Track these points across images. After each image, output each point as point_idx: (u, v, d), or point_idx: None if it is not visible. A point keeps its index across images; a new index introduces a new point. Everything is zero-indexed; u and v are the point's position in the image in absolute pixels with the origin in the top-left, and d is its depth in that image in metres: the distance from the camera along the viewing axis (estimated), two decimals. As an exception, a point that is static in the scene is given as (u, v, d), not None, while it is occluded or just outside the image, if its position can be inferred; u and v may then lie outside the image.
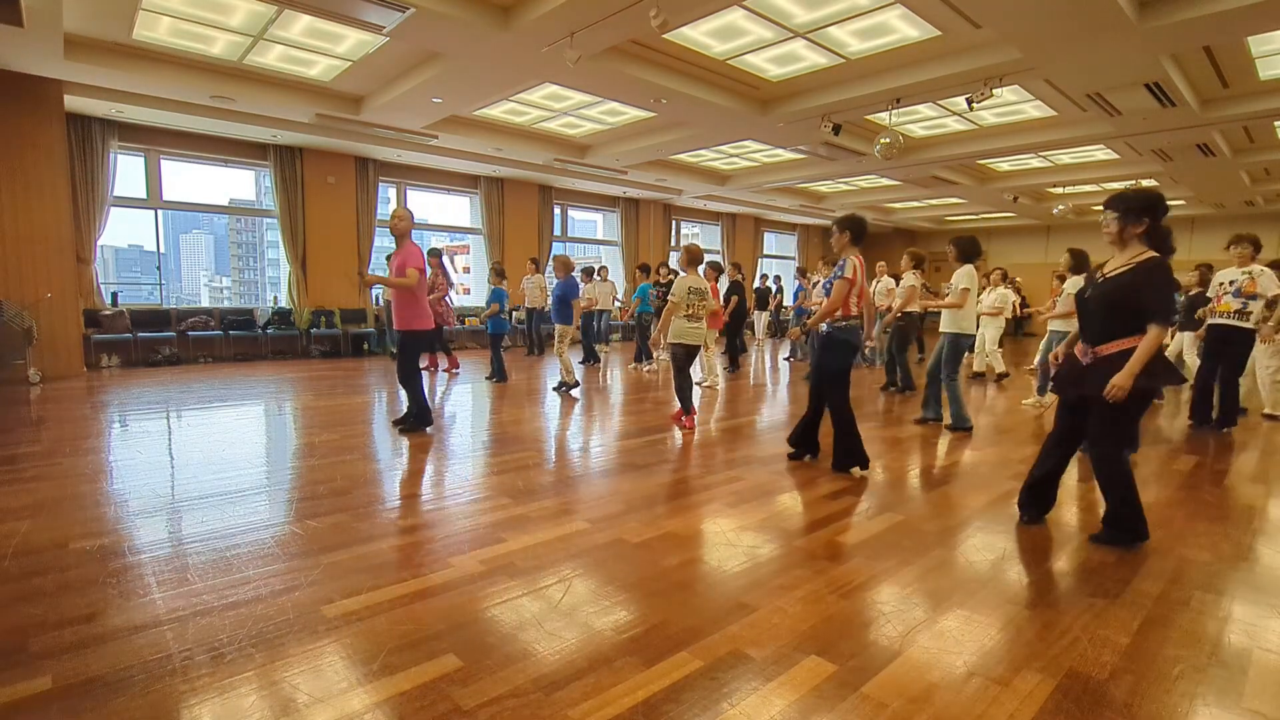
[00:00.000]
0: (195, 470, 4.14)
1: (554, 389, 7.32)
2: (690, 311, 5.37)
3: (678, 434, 5.37)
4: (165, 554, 2.86)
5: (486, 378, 8.18)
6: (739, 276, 9.18)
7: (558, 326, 7.45)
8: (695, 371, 8.68)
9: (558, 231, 14.19)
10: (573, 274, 7.64)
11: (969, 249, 5.55)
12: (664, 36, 6.29)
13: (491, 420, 5.91)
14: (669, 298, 5.46)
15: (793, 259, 19.83)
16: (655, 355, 9.70)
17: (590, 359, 10.08)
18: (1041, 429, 5.85)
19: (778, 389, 8.15)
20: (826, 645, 2.22)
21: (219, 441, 4.89)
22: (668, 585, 2.65)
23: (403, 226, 5.42)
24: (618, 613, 2.42)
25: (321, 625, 2.28)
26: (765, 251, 19.12)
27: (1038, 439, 5.44)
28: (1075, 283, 6.06)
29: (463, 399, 7.06)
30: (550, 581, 2.66)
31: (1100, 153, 10.51)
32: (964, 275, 5.59)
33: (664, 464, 4.49)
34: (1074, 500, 3.88)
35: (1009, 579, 2.78)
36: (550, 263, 7.31)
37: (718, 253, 17.57)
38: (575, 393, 7.03)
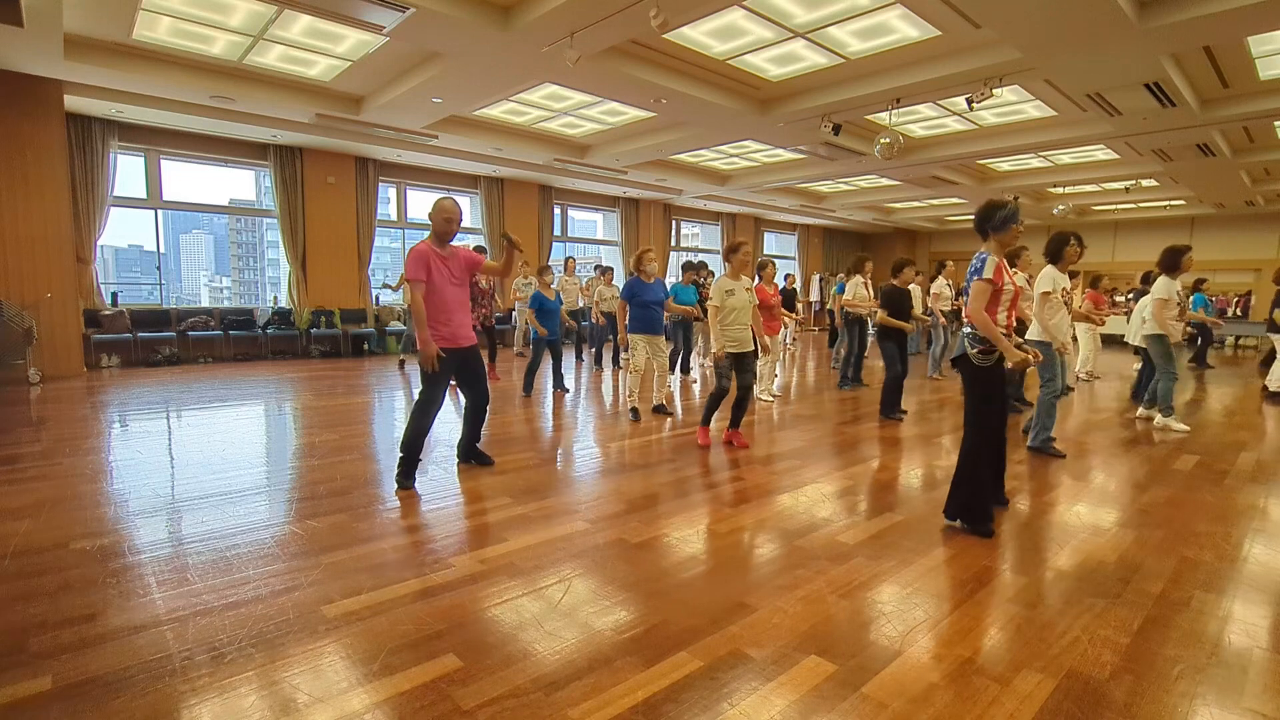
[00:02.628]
0: (195, 470, 4.14)
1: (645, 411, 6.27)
2: (734, 317, 4.83)
3: (685, 434, 5.36)
4: (165, 554, 2.86)
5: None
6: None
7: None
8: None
9: (558, 231, 14.19)
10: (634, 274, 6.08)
11: (1047, 247, 4.91)
12: (664, 36, 6.29)
13: (493, 421, 5.91)
14: (709, 303, 4.91)
15: (793, 259, 19.85)
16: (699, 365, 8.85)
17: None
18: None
19: (791, 391, 8.15)
20: (826, 645, 2.22)
21: (219, 441, 4.89)
22: (668, 585, 2.65)
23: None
24: (618, 613, 2.42)
25: (321, 625, 2.28)
26: (766, 251, 19.12)
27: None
28: (1167, 285, 5.70)
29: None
30: (550, 581, 2.66)
31: (1100, 153, 10.51)
32: (1043, 278, 4.98)
33: (664, 464, 4.49)
34: (1071, 498, 3.89)
35: (1009, 579, 2.78)
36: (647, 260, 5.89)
37: (718, 253, 17.57)
38: (574, 394, 6.70)
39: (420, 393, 3.88)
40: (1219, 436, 5.68)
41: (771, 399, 7.08)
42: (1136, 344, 7.09)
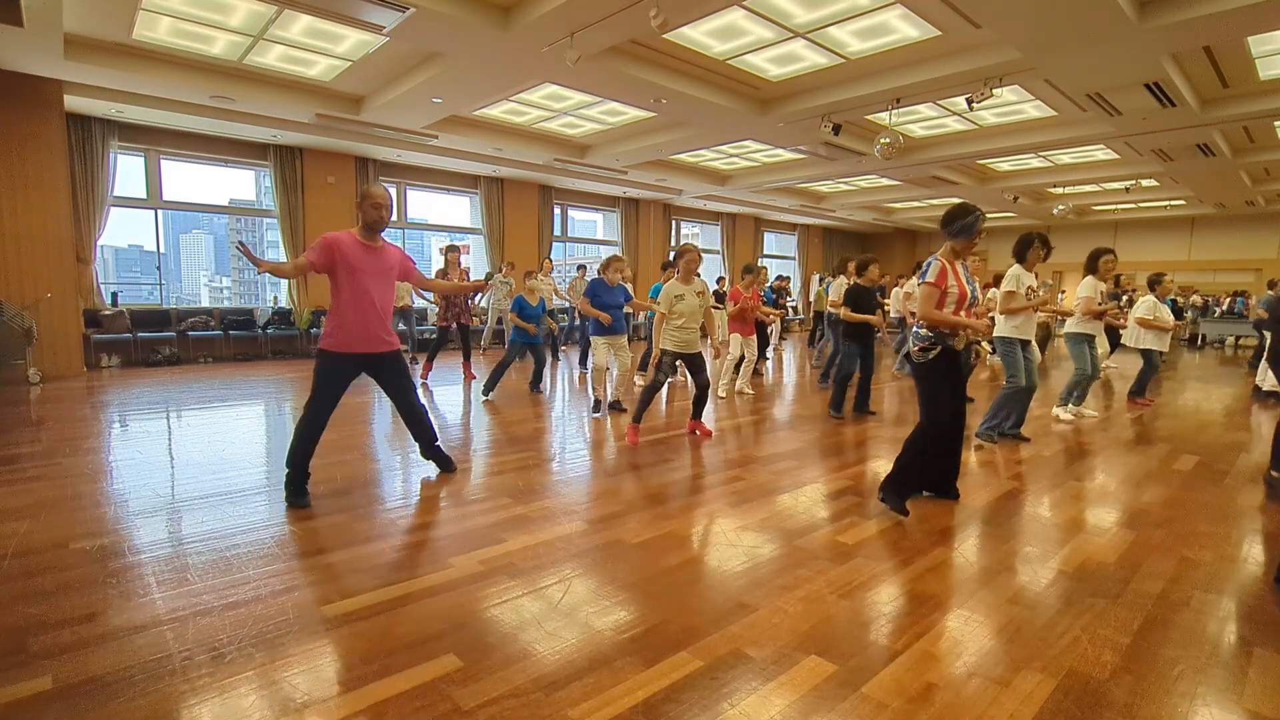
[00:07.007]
0: (195, 470, 4.14)
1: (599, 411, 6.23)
2: (682, 322, 5.05)
3: (679, 434, 5.36)
4: (165, 554, 2.86)
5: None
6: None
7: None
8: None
9: (558, 231, 14.19)
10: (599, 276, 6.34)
11: (1014, 248, 5.11)
12: (664, 36, 6.29)
13: (491, 421, 5.91)
14: (657, 308, 5.17)
15: (793, 259, 19.85)
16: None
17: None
18: (1032, 432, 5.84)
19: (789, 391, 8.15)
20: (826, 645, 2.22)
21: (219, 441, 4.89)
22: (668, 585, 2.65)
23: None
24: (618, 613, 2.42)
25: (321, 625, 2.28)
26: (765, 251, 19.12)
27: (1035, 441, 5.43)
28: (1092, 284, 5.91)
29: (462, 400, 7.05)
30: (550, 581, 2.66)
31: (1100, 153, 10.51)
32: (1008, 278, 5.18)
33: (663, 464, 4.49)
34: (1071, 498, 3.89)
35: (1009, 579, 2.78)
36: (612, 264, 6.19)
37: (718, 253, 17.57)
38: (565, 394, 6.58)
39: (306, 401, 3.52)
40: (1219, 437, 5.68)
41: (741, 393, 7.33)
42: (1136, 345, 7.15)
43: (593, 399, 6.23)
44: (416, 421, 3.98)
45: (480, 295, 11.61)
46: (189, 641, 2.16)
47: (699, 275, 5.25)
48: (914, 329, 3.57)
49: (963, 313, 3.48)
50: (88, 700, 1.86)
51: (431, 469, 4.20)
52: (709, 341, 5.56)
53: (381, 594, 2.52)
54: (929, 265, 3.45)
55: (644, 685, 1.97)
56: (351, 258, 3.51)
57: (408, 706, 1.85)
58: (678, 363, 5.24)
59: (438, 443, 4.13)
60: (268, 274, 3.61)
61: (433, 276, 5.85)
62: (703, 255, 5.34)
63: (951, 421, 3.60)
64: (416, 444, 4.10)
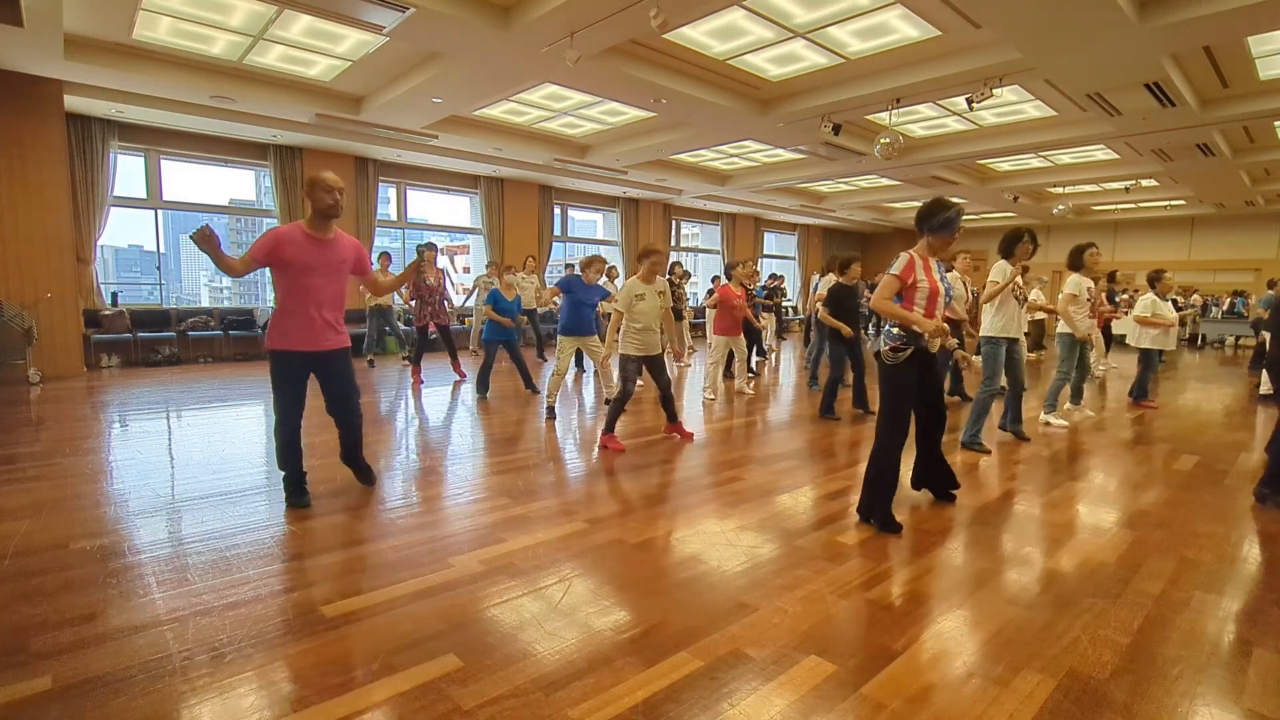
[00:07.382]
0: (195, 470, 4.14)
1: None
2: (642, 324, 4.85)
3: (678, 435, 5.35)
4: (165, 554, 2.86)
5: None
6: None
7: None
8: (699, 379, 8.64)
9: (558, 231, 14.19)
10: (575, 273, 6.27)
11: (1001, 244, 5.06)
12: (664, 36, 6.29)
13: (488, 422, 5.91)
14: (614, 307, 4.96)
15: (793, 259, 19.85)
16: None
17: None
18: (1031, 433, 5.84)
19: (787, 392, 8.15)
20: (826, 645, 2.22)
21: (219, 441, 4.89)
22: (668, 585, 2.65)
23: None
24: (618, 613, 2.42)
25: (321, 625, 2.28)
26: (765, 251, 19.13)
27: (1034, 442, 5.43)
28: (1077, 281, 5.89)
29: (456, 401, 7.05)
30: (550, 581, 2.66)
31: (1100, 153, 10.52)
32: (994, 271, 5.09)
33: (664, 464, 4.49)
34: (1071, 498, 3.89)
35: (1009, 579, 2.78)
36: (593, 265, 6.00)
37: (717, 253, 17.57)
38: (556, 408, 6.07)
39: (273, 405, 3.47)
40: (1219, 437, 5.68)
41: (740, 393, 7.34)
42: (1137, 345, 7.13)
43: (545, 405, 5.97)
44: (347, 428, 3.70)
45: (468, 296, 11.62)
46: (189, 641, 2.16)
47: (690, 275, 5.15)
48: (886, 328, 3.35)
49: (939, 312, 3.33)
50: (88, 700, 1.86)
51: (429, 469, 4.20)
52: (669, 346, 5.22)
53: (381, 594, 2.52)
54: (897, 258, 3.30)
55: (644, 685, 1.97)
56: (296, 253, 3.28)
57: (408, 706, 1.85)
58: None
59: (360, 453, 3.84)
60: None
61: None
62: (669, 254, 5.20)
63: (932, 420, 3.56)
64: (340, 446, 3.79)
